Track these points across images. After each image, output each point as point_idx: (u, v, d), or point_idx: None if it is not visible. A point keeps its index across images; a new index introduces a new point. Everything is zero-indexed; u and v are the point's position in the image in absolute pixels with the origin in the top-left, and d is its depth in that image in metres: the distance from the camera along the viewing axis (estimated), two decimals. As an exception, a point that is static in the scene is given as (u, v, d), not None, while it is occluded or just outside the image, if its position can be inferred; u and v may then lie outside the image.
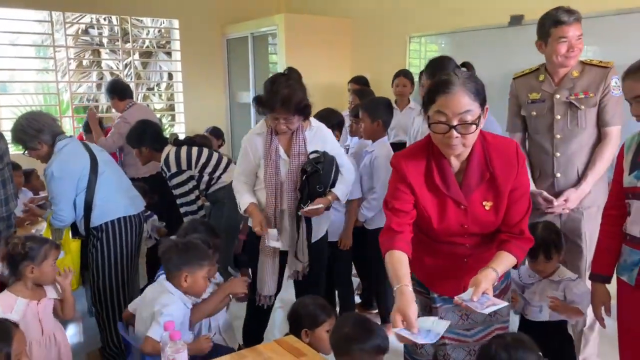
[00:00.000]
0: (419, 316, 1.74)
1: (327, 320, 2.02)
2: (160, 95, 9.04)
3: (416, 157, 1.69)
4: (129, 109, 4.28)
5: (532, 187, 2.58)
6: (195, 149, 3.22)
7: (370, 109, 3.16)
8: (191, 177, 3.17)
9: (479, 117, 1.55)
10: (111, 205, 2.66)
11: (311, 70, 5.30)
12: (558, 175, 2.51)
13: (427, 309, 1.85)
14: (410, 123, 3.88)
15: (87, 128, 4.47)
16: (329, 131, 2.66)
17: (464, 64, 2.65)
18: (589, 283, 2.12)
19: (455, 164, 1.67)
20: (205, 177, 3.22)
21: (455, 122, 1.53)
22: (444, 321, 1.55)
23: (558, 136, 2.50)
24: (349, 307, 3.22)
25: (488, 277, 1.58)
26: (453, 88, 1.52)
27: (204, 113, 5.98)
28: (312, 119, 2.57)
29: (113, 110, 4.80)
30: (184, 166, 3.14)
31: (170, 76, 7.59)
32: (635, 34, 3.14)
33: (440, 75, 1.63)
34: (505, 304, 1.59)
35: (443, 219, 1.68)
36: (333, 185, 2.55)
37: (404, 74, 4.15)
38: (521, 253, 1.70)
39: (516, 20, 3.83)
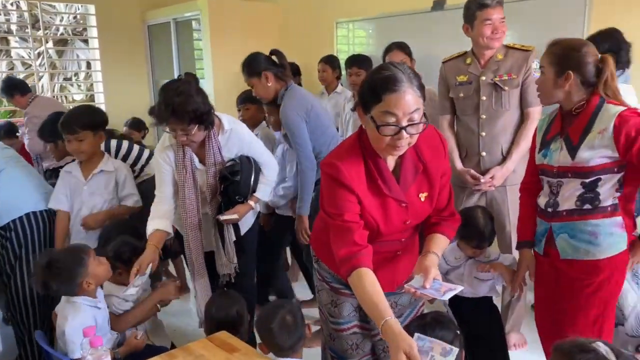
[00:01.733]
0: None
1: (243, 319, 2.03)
2: (79, 86, 8.54)
3: (353, 160, 1.54)
4: (31, 104, 4.11)
5: (460, 165, 2.69)
6: (114, 141, 3.06)
7: (251, 98, 3.03)
8: None
9: (424, 114, 1.46)
10: (18, 202, 2.45)
11: (239, 56, 5.17)
12: (484, 154, 2.62)
13: (356, 310, 1.81)
14: (340, 108, 3.90)
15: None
16: (246, 130, 2.48)
17: (272, 52, 2.81)
18: (517, 255, 2.20)
19: (390, 161, 1.59)
20: None
21: (405, 123, 1.41)
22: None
23: (483, 116, 2.60)
24: None
25: (434, 262, 1.57)
26: (402, 86, 1.39)
27: (126, 103, 5.70)
28: (226, 120, 2.38)
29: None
30: None
31: (88, 65, 7.17)
32: (556, 17, 3.27)
33: (379, 69, 1.46)
34: (461, 287, 1.55)
35: (388, 221, 1.60)
36: (254, 190, 2.43)
37: (325, 60, 4.14)
38: (452, 233, 1.72)
39: (438, 5, 3.90)
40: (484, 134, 2.60)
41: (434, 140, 1.63)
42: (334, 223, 1.56)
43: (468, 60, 2.66)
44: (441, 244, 1.66)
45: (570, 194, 1.85)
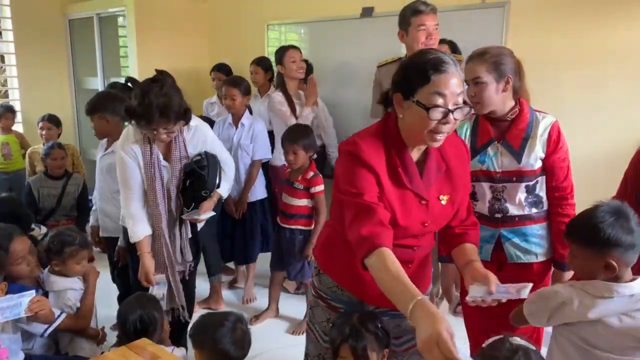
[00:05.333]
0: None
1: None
2: (-9, 81, 7.96)
3: (375, 143, 1.46)
4: None
5: None
6: None
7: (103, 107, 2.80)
8: None
9: (464, 101, 1.41)
10: None
11: (166, 55, 5.06)
12: None
13: None
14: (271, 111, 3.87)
15: None
16: (208, 128, 2.54)
17: (127, 79, 2.74)
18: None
19: (415, 154, 1.49)
20: None
21: (451, 106, 1.36)
22: None
23: None
24: None
25: (484, 268, 1.49)
26: (450, 67, 1.35)
27: (45, 100, 5.38)
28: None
29: None
30: None
31: (2, 59, 6.70)
32: (490, 26, 3.42)
33: (422, 53, 1.42)
34: (530, 284, 1.48)
35: (406, 216, 1.48)
36: (219, 186, 2.46)
37: (256, 61, 4.12)
38: (478, 241, 1.65)
39: (367, 12, 3.98)
40: None
41: (459, 147, 1.60)
42: (354, 201, 1.41)
43: None
44: (476, 252, 1.59)
45: (518, 199, 1.93)
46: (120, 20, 5.34)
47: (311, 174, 3.04)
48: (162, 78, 2.25)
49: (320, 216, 3.06)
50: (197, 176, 2.37)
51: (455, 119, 1.38)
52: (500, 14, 3.35)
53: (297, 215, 3.08)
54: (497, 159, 1.92)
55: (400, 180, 1.46)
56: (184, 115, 2.26)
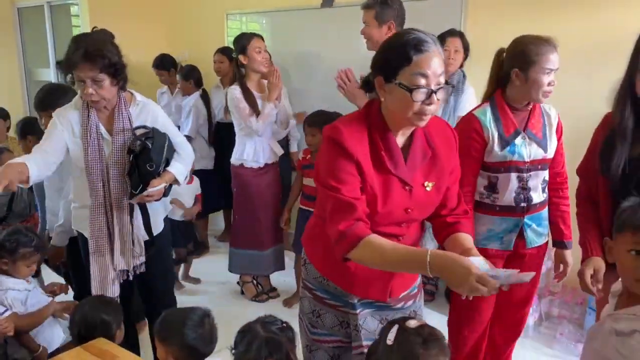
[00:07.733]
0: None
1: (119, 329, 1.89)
2: (-64, 73, 7.56)
3: (357, 128, 1.42)
4: None
5: None
6: None
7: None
8: None
9: (446, 81, 1.39)
10: None
11: (122, 46, 4.84)
12: None
13: (341, 325, 1.63)
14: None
15: None
16: (160, 109, 2.33)
17: None
18: None
19: (400, 139, 1.46)
20: None
21: (434, 86, 1.34)
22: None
23: None
24: None
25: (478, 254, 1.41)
26: (431, 46, 1.33)
27: (-7, 92, 5.15)
28: (138, 95, 2.24)
29: None
30: None
31: (-53, 49, 6.37)
32: (449, 16, 3.39)
33: (402, 33, 1.38)
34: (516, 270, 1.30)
35: (387, 201, 1.44)
36: (167, 164, 2.21)
37: (221, 50, 4.05)
38: (473, 232, 1.61)
39: (327, 2, 3.95)
40: None
41: (445, 131, 1.56)
42: (333, 195, 1.39)
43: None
44: (472, 242, 1.51)
45: (538, 186, 2.03)
46: (73, 9, 5.14)
47: None
48: (98, 30, 2.12)
49: None
50: (142, 148, 2.09)
51: (438, 99, 1.36)
52: (458, 4, 3.37)
53: None
54: (525, 149, 1.97)
55: (383, 165, 1.43)
56: (115, 68, 2.02)
